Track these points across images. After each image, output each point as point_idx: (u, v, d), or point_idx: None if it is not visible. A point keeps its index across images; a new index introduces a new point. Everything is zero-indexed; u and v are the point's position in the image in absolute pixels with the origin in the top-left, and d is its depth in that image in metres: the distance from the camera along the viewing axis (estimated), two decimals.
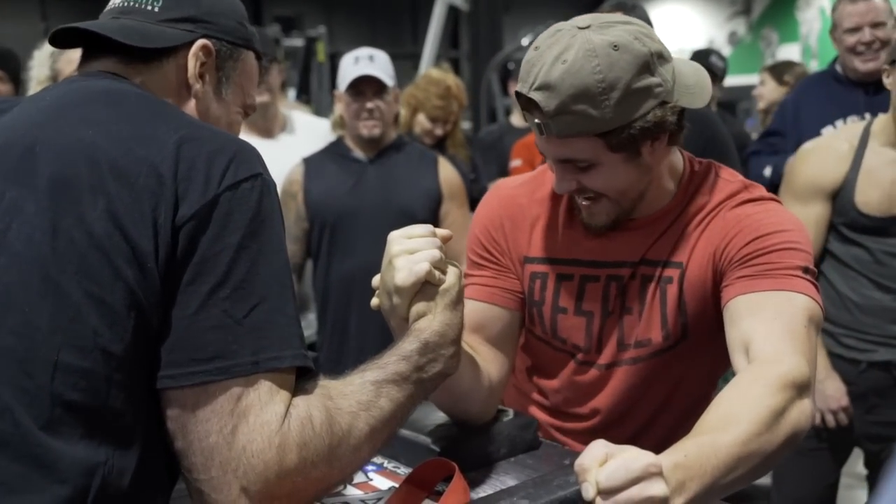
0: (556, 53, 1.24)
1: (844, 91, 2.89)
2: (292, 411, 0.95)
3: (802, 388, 1.15)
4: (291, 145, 2.92)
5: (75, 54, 2.65)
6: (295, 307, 1.00)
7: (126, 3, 1.14)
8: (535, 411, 1.58)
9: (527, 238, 1.49)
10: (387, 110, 2.69)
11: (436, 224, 2.68)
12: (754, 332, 1.22)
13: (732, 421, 1.07)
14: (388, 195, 2.67)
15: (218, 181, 0.95)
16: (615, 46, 1.23)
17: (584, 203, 1.38)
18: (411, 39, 14.37)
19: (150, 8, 1.13)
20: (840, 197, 2.30)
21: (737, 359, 1.24)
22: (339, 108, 2.79)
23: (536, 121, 1.27)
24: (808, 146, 2.41)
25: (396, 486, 1.27)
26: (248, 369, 0.93)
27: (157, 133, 0.97)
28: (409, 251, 1.15)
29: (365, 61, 2.66)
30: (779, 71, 4.56)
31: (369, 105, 2.65)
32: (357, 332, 2.64)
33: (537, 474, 1.29)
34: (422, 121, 3.56)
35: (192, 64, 1.13)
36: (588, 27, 1.25)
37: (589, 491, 0.92)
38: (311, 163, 2.77)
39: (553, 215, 1.48)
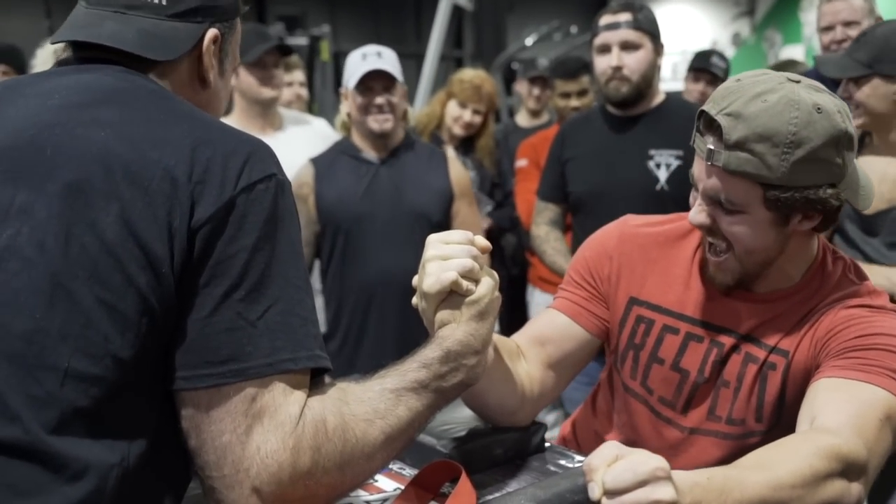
0: (758, 91, 1.23)
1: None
2: (307, 413, 0.94)
3: (855, 469, 1.12)
4: (287, 142, 2.89)
5: None
6: (311, 307, 0.99)
7: None
8: None
9: (640, 279, 1.48)
10: (396, 104, 2.65)
11: (447, 223, 2.66)
12: (824, 408, 1.19)
13: (770, 465, 1.05)
14: (401, 198, 2.63)
15: (233, 183, 0.94)
16: (819, 109, 1.22)
17: (712, 256, 1.36)
18: (415, 39, 14.35)
19: (157, 2, 1.09)
20: None
21: (800, 428, 1.21)
22: (345, 107, 2.76)
23: (709, 147, 1.25)
24: None
25: (402, 487, 1.26)
26: (263, 371, 0.92)
27: (170, 135, 0.96)
28: (442, 257, 1.14)
29: (373, 57, 2.62)
30: (788, 70, 4.52)
31: (379, 100, 2.61)
32: (374, 337, 2.60)
33: (544, 477, 1.28)
34: (452, 109, 3.53)
35: (208, 59, 1.13)
36: (798, 82, 1.25)
37: (595, 490, 0.92)
38: (320, 165, 2.71)
39: (674, 265, 1.46)
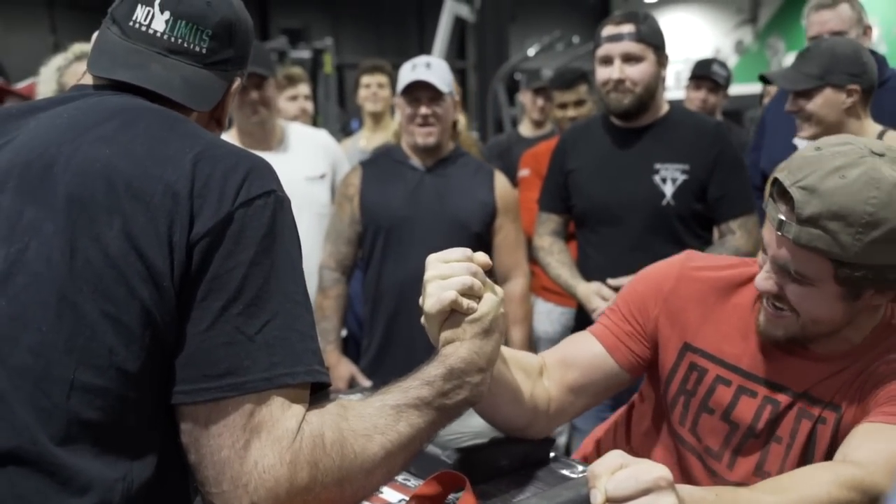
0: (837, 164, 1.18)
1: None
2: (305, 428, 0.95)
3: (873, 501, 1.10)
4: (289, 157, 2.91)
5: (81, 67, 2.62)
6: (310, 322, 1.00)
7: (172, 39, 1.11)
8: None
9: (696, 326, 1.44)
10: (443, 116, 2.66)
11: (489, 237, 2.68)
12: (858, 446, 1.18)
13: (785, 490, 1.05)
14: (443, 205, 2.66)
15: (232, 198, 0.95)
16: None
17: (770, 309, 1.32)
18: (418, 51, 14.37)
19: (198, 49, 1.12)
20: None
21: None
22: (399, 115, 2.83)
23: (780, 217, 1.22)
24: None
25: (407, 498, 1.26)
26: (260, 385, 0.93)
27: (172, 151, 0.98)
28: (442, 276, 1.13)
29: (422, 68, 2.64)
30: None
31: (423, 111, 2.63)
32: (406, 339, 2.62)
33: (548, 487, 1.29)
34: None
35: (229, 105, 1.17)
36: (882, 156, 1.20)
37: (597, 497, 0.92)
38: (368, 167, 2.78)
39: (732, 314, 1.43)
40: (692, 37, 14.67)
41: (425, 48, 10.47)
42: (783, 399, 1.35)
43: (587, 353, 1.45)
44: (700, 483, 1.43)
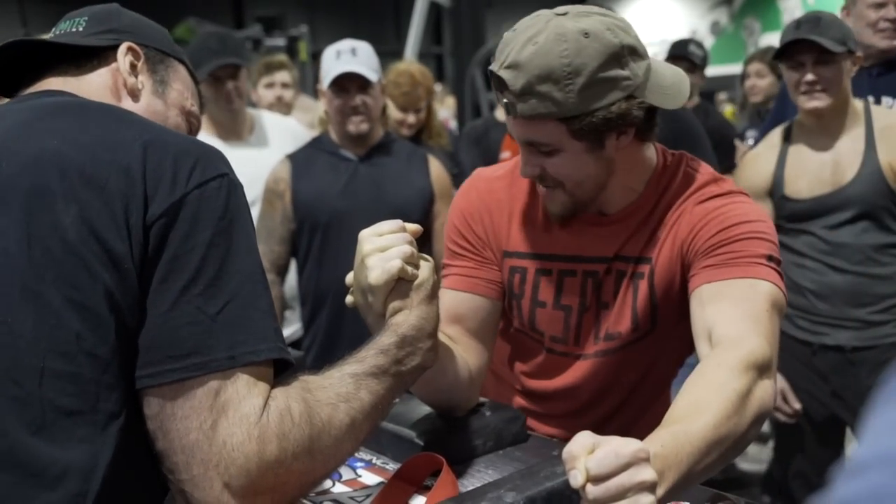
0: (529, 35, 1.26)
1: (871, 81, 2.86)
2: (271, 403, 0.95)
3: (764, 369, 1.17)
4: (261, 147, 2.89)
5: None
6: (269, 302, 1.01)
7: (54, 33, 1.20)
8: (513, 396, 1.60)
9: (506, 232, 1.50)
10: (373, 105, 2.59)
11: (427, 223, 2.62)
12: (717, 317, 1.24)
13: (702, 408, 1.08)
14: (381, 195, 2.59)
15: (185, 181, 0.96)
16: (586, 34, 1.24)
17: (542, 190, 1.41)
18: (394, 37, 14.33)
19: (75, 29, 1.19)
20: (773, 195, 2.43)
21: (700, 345, 1.26)
22: (323, 105, 2.72)
23: (505, 101, 1.29)
24: (748, 154, 2.52)
25: (385, 481, 1.27)
26: (225, 364, 0.93)
27: (121, 137, 0.98)
28: (381, 249, 1.16)
29: (347, 55, 2.55)
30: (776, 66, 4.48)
31: (354, 102, 2.55)
32: (350, 334, 2.54)
33: (525, 466, 1.29)
34: (392, 112, 3.53)
35: (122, 60, 1.18)
36: (565, 14, 1.27)
37: (578, 478, 0.92)
38: (297, 161, 2.65)
39: (530, 209, 1.49)
40: (668, 18, 14.70)
41: (401, 35, 10.43)
42: (599, 268, 1.43)
43: (461, 302, 1.48)
44: (550, 365, 1.51)
